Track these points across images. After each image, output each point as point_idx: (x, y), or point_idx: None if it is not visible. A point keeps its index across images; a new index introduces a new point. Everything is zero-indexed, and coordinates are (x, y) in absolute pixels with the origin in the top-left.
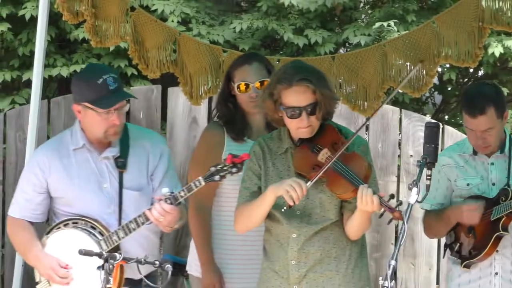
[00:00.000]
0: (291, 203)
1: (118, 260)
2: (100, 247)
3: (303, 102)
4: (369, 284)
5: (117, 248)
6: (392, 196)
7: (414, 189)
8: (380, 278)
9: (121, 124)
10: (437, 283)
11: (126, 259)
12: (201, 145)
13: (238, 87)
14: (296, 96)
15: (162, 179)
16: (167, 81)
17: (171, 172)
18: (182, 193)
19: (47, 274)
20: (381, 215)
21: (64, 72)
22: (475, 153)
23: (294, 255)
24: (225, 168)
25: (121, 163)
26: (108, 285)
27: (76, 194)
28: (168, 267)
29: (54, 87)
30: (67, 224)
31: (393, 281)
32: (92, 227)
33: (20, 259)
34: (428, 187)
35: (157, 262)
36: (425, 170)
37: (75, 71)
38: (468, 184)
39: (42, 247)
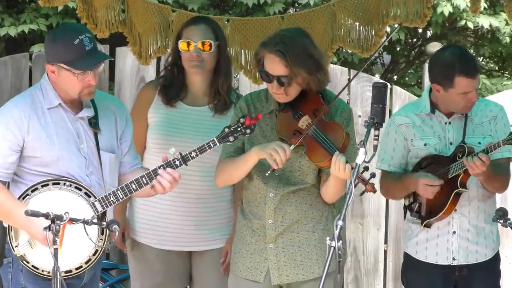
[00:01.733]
0: (275, 167)
1: (65, 220)
2: (95, 208)
3: (275, 72)
4: (345, 246)
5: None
6: (366, 168)
7: (362, 149)
8: (328, 238)
9: (96, 84)
10: (385, 242)
11: (72, 220)
12: (135, 101)
13: (181, 45)
14: (271, 64)
15: (130, 143)
16: (115, 41)
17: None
18: (194, 154)
19: (42, 234)
20: (362, 193)
21: (12, 31)
22: (433, 111)
23: (271, 214)
24: (239, 129)
25: (94, 124)
26: (55, 246)
27: (56, 154)
28: (115, 227)
29: (2, 47)
30: (46, 184)
31: (341, 241)
32: (77, 188)
33: None
34: (375, 147)
35: (104, 223)
36: (372, 130)
37: (23, 31)
38: (425, 144)
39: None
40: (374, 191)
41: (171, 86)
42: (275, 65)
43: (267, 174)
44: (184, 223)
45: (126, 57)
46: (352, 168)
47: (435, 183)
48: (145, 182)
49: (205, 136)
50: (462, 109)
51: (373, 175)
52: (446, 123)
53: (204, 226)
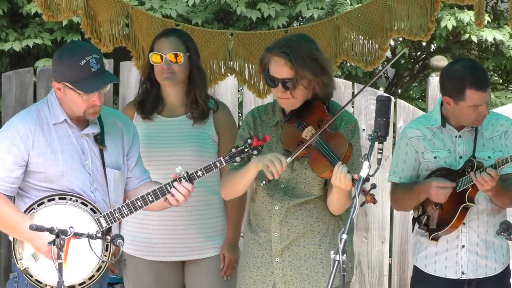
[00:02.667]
0: (270, 177)
1: (69, 235)
2: (100, 224)
3: (280, 75)
4: (352, 259)
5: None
6: (367, 179)
7: (365, 163)
8: (332, 251)
9: (101, 104)
10: (390, 256)
11: (77, 234)
12: None
13: (153, 57)
14: (275, 66)
15: (138, 159)
16: (119, 55)
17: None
18: (200, 173)
19: (47, 247)
20: (363, 204)
21: (17, 46)
22: (443, 125)
23: (277, 227)
24: (246, 150)
25: (100, 140)
26: (59, 260)
27: (60, 170)
28: (120, 242)
29: (6, 62)
30: (53, 199)
31: (345, 254)
32: (83, 203)
33: None
34: (379, 161)
35: (108, 237)
36: (376, 143)
37: (27, 45)
38: (435, 157)
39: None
40: (375, 202)
41: (146, 100)
42: (280, 68)
43: (261, 185)
44: (172, 233)
45: (130, 71)
46: (353, 178)
47: (447, 185)
48: (151, 199)
49: (185, 145)
50: (472, 123)
51: (373, 186)
52: (456, 137)
53: (194, 234)
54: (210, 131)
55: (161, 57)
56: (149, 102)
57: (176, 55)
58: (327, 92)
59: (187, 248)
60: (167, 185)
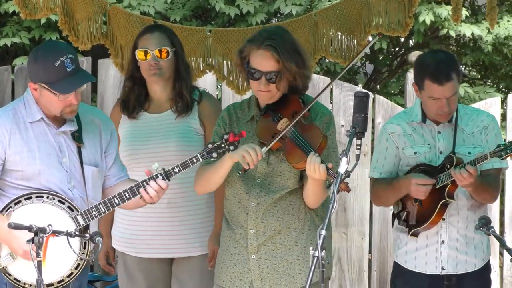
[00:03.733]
0: (246, 167)
1: (48, 233)
2: (77, 222)
3: (265, 68)
4: (330, 255)
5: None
6: (347, 176)
7: (344, 159)
8: (311, 248)
9: (78, 103)
10: (370, 252)
11: (56, 232)
12: None
13: (139, 54)
14: (260, 60)
15: (116, 156)
16: (98, 53)
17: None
18: (176, 169)
19: (23, 250)
20: (329, 185)
21: None
22: (424, 120)
23: (253, 224)
24: (223, 145)
25: (78, 138)
26: (38, 259)
27: (37, 168)
28: (99, 239)
29: None
30: (30, 197)
31: (324, 251)
32: (60, 201)
33: None
34: (358, 157)
35: (87, 235)
36: (354, 139)
37: (5, 44)
38: (415, 153)
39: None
40: (348, 190)
41: (129, 99)
42: (265, 61)
43: (237, 175)
44: (158, 229)
45: (108, 69)
46: (328, 168)
47: (427, 182)
48: (128, 196)
49: (169, 140)
50: (436, 116)
51: (347, 175)
52: (436, 132)
53: (181, 231)
54: (193, 123)
55: (148, 53)
56: (132, 101)
57: (161, 51)
58: (306, 83)
59: (175, 245)
60: (144, 182)
